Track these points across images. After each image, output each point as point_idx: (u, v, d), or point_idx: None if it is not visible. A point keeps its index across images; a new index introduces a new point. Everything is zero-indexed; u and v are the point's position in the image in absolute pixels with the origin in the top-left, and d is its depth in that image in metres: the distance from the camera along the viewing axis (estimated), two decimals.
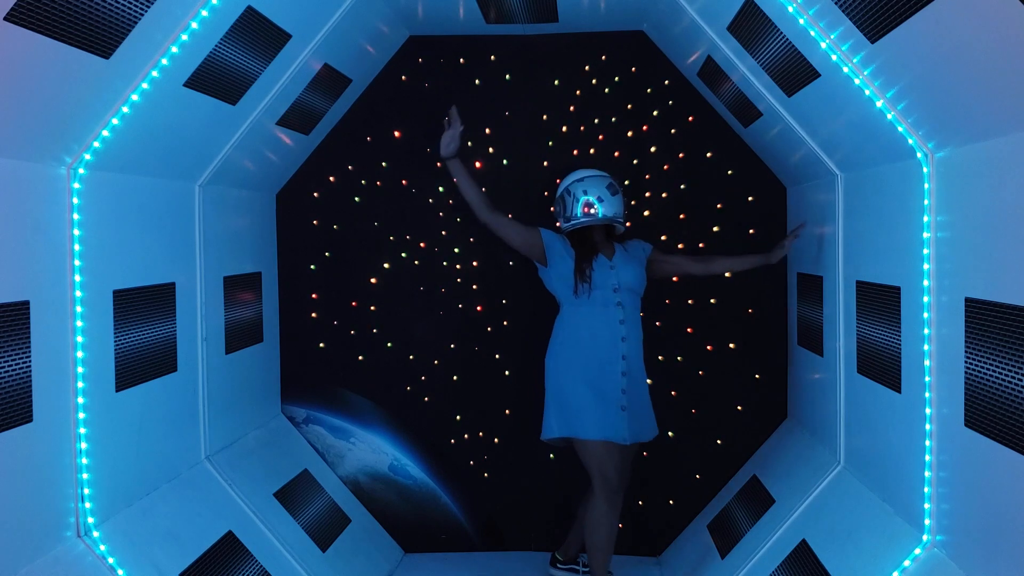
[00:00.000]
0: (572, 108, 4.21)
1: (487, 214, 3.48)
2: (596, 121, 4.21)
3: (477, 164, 4.26)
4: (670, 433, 4.21)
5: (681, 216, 4.19)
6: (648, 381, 3.57)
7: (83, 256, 2.69)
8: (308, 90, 3.66)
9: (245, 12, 2.82)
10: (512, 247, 3.57)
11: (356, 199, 4.30)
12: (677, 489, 4.25)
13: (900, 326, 2.76)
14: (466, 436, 4.37)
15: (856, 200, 3.15)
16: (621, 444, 3.35)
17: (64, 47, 2.21)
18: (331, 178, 4.30)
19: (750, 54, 3.12)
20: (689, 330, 4.22)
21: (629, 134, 4.19)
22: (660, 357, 4.18)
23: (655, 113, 4.17)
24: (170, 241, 3.27)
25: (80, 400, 2.68)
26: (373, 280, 4.33)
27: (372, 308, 4.34)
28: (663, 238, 4.13)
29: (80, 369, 2.68)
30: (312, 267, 4.33)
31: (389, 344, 4.35)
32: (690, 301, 4.19)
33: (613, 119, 4.20)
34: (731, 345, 4.20)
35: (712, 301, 4.20)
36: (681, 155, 4.18)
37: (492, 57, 4.22)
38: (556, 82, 4.21)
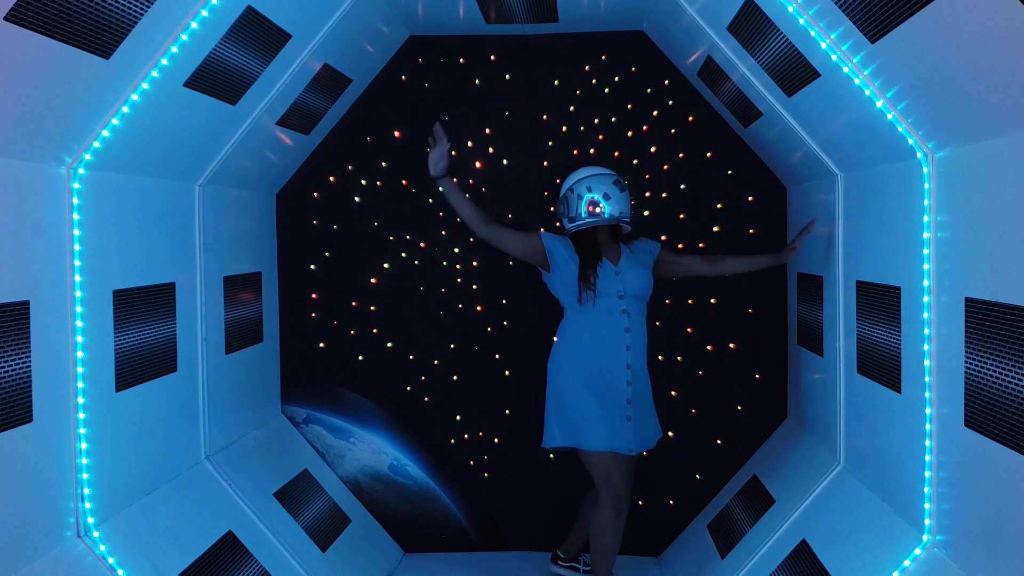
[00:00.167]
0: (572, 108, 4.21)
1: (485, 229, 3.41)
2: (596, 121, 4.21)
3: (477, 164, 4.26)
4: (670, 433, 4.21)
5: (681, 216, 4.19)
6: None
7: (83, 256, 2.69)
8: (308, 90, 3.66)
9: (245, 12, 2.82)
10: (515, 257, 3.50)
11: (356, 199, 4.30)
12: (677, 489, 4.25)
13: (900, 326, 2.76)
14: (466, 436, 4.37)
15: (856, 200, 3.15)
16: (627, 454, 3.34)
17: (64, 47, 2.21)
18: (331, 178, 4.30)
19: (750, 54, 3.12)
20: (689, 330, 4.22)
21: (629, 134, 4.19)
22: (660, 357, 4.18)
23: (655, 113, 4.17)
24: (170, 241, 3.27)
25: (80, 400, 2.68)
26: (373, 280, 4.33)
27: (372, 308, 4.34)
28: (663, 238, 4.13)
29: (80, 369, 2.68)
30: (312, 267, 4.33)
31: (389, 344, 4.35)
32: (690, 301, 4.19)
33: (613, 119, 4.20)
34: (731, 345, 4.21)
35: (712, 301, 4.20)
36: (681, 155, 4.18)
37: (492, 57, 4.22)
38: (556, 82, 4.21)
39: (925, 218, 2.55)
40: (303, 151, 4.19)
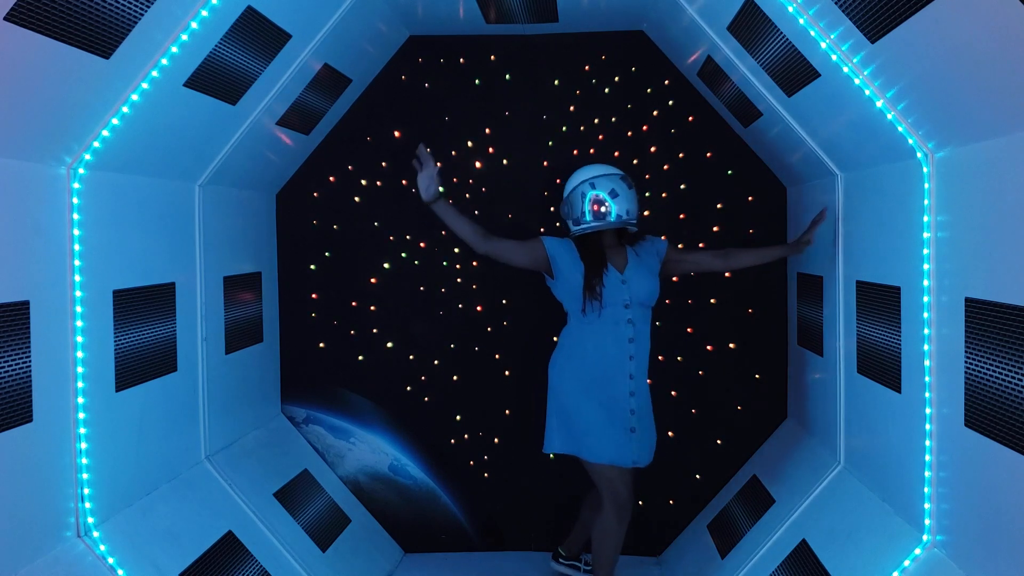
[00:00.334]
0: (572, 108, 4.21)
1: (484, 245, 3.27)
2: (596, 121, 4.21)
3: (477, 164, 4.26)
4: (670, 433, 4.21)
5: (681, 216, 4.20)
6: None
7: (83, 256, 2.69)
8: (308, 90, 3.66)
9: (245, 12, 2.82)
10: (520, 267, 3.37)
11: (356, 199, 4.30)
12: (677, 489, 4.25)
13: (900, 326, 2.76)
14: (466, 436, 4.37)
15: (856, 200, 3.15)
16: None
17: (64, 47, 2.21)
18: (331, 178, 4.30)
19: (750, 54, 3.12)
20: (689, 330, 4.22)
21: (629, 134, 4.19)
22: (660, 357, 4.18)
23: (655, 113, 4.18)
24: (170, 241, 3.27)
25: (80, 400, 2.68)
26: (373, 280, 4.33)
27: (372, 308, 4.34)
28: (663, 238, 4.12)
29: (80, 369, 2.68)
30: (312, 267, 4.33)
31: (389, 344, 4.35)
32: (690, 301, 4.20)
33: (613, 119, 4.20)
34: (731, 345, 4.21)
35: (712, 301, 4.20)
36: (681, 155, 4.18)
37: (492, 57, 4.22)
38: (556, 82, 4.21)
39: (925, 218, 2.55)
40: (303, 151, 4.19)
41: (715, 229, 4.17)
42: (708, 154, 4.16)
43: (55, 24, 2.13)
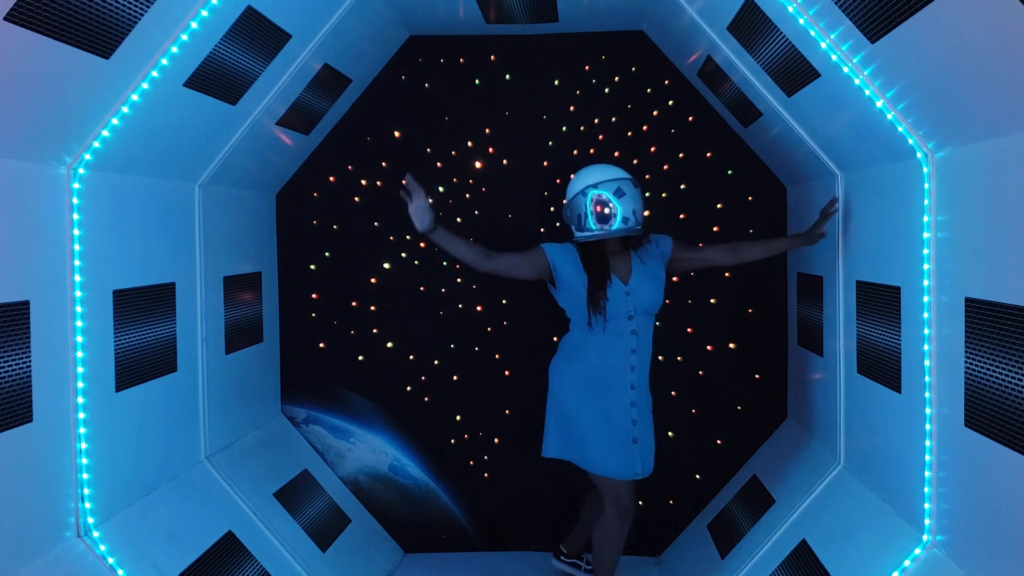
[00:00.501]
0: (572, 108, 4.21)
1: (486, 263, 3.17)
2: (596, 121, 4.21)
3: (477, 164, 4.26)
4: (670, 433, 4.21)
5: (681, 216, 4.20)
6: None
7: (83, 256, 2.69)
8: (308, 90, 3.66)
9: (245, 12, 2.82)
10: (525, 280, 3.27)
11: (356, 199, 4.30)
12: (677, 489, 4.25)
13: (900, 326, 2.76)
14: (466, 436, 4.37)
15: (856, 200, 3.15)
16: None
17: (64, 47, 2.21)
18: (331, 178, 4.30)
19: (750, 54, 3.12)
20: (689, 330, 4.22)
21: (629, 134, 4.19)
22: (660, 357, 4.18)
23: (655, 113, 4.18)
24: (170, 241, 3.27)
25: (80, 400, 2.68)
26: (373, 280, 4.33)
27: (372, 308, 4.34)
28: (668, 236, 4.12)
29: (80, 369, 2.68)
30: (312, 267, 4.33)
31: (389, 344, 4.35)
32: (690, 301, 4.20)
33: (613, 119, 4.20)
34: (731, 345, 4.21)
35: (712, 301, 4.20)
36: (681, 155, 4.18)
37: (492, 57, 4.22)
38: (556, 82, 4.21)
39: (925, 218, 2.55)
40: (303, 151, 4.19)
41: (715, 229, 4.17)
42: (708, 154, 4.16)
43: (55, 24, 2.13)
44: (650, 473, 3.30)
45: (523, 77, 4.22)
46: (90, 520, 2.72)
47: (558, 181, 4.22)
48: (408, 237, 4.30)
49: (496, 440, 4.36)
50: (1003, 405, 2.16)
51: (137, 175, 3.00)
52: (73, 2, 2.14)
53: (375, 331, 4.35)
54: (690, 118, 4.15)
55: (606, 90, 4.19)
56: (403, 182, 3.00)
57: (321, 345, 4.35)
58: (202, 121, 3.15)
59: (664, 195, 4.20)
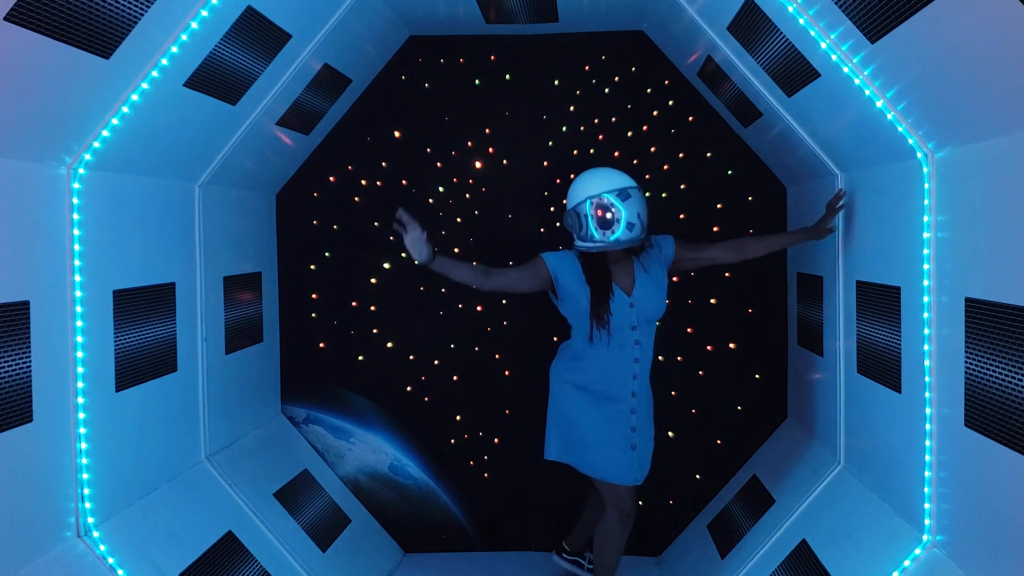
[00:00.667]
0: (572, 108, 4.21)
1: (488, 283, 3.12)
2: (596, 121, 4.21)
3: (477, 164, 4.26)
4: (670, 433, 4.21)
5: (681, 216, 4.20)
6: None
7: (83, 256, 2.69)
8: (308, 90, 3.66)
9: (245, 12, 2.82)
10: (528, 293, 3.22)
11: (356, 199, 4.30)
12: (677, 489, 4.25)
13: (900, 326, 2.76)
14: (466, 436, 4.37)
15: (856, 200, 3.15)
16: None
17: (64, 47, 2.21)
18: (331, 178, 4.30)
19: (750, 54, 3.12)
20: (689, 330, 4.22)
21: (629, 134, 4.19)
22: (660, 357, 4.18)
23: (655, 113, 4.18)
24: (170, 241, 3.27)
25: (80, 400, 2.68)
26: (373, 280, 4.33)
27: (372, 308, 4.34)
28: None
29: (80, 369, 2.68)
30: (312, 267, 4.33)
31: (389, 344, 4.35)
32: (690, 301, 4.19)
33: (613, 119, 4.20)
34: (731, 345, 4.21)
35: (712, 301, 4.20)
36: (681, 155, 4.18)
37: (492, 57, 4.22)
38: (556, 82, 4.21)
39: (925, 218, 2.55)
40: (303, 151, 4.19)
41: (715, 229, 4.17)
42: (708, 154, 4.16)
43: (55, 24, 2.13)
44: (647, 474, 3.30)
45: (523, 77, 4.22)
46: (90, 520, 2.72)
47: (558, 181, 4.22)
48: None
49: (496, 440, 4.36)
50: (1003, 405, 2.16)
51: (137, 175, 3.00)
52: (73, 2, 2.14)
53: (375, 331, 4.35)
54: (690, 118, 4.15)
55: (606, 90, 4.19)
56: (396, 217, 2.94)
57: (321, 345, 4.35)
58: (202, 121, 3.15)
59: (664, 195, 4.20)
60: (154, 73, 2.64)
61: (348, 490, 4.35)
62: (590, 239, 3.05)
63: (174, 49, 2.64)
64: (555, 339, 4.08)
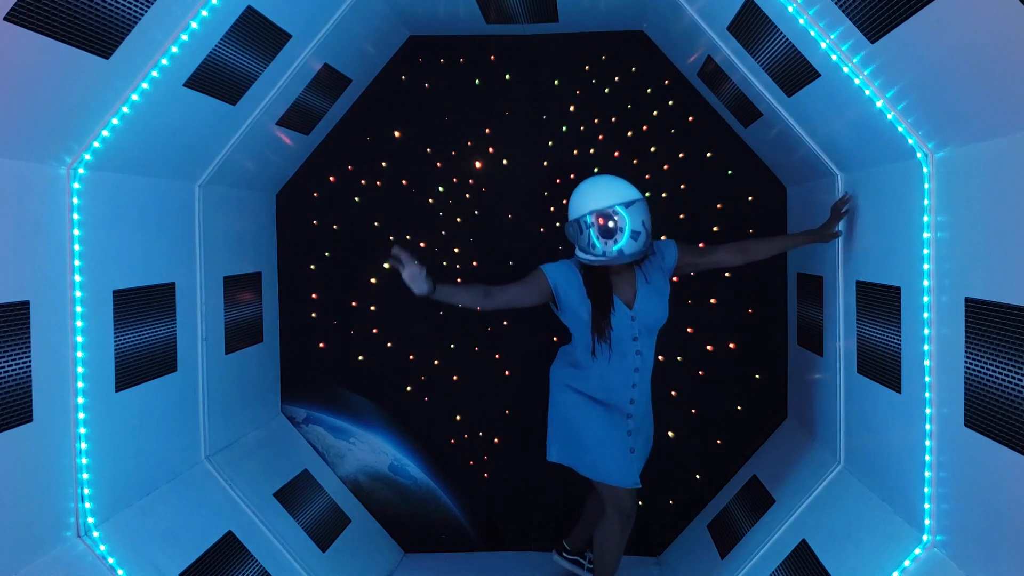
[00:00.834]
0: (572, 108, 4.21)
1: (490, 302, 3.05)
2: (596, 121, 4.21)
3: (477, 164, 4.26)
4: (670, 433, 4.21)
5: (681, 216, 4.20)
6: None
7: (83, 256, 2.69)
8: (308, 90, 3.66)
9: (245, 12, 2.82)
10: (530, 306, 3.15)
11: (356, 199, 4.30)
12: (677, 489, 4.25)
13: (900, 326, 2.76)
14: (466, 436, 4.37)
15: (856, 200, 3.15)
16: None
17: (64, 47, 2.21)
18: (331, 178, 4.30)
19: (750, 54, 3.12)
20: (689, 330, 4.22)
21: (629, 134, 4.19)
22: (660, 357, 4.18)
23: (655, 113, 4.18)
24: (170, 241, 3.27)
25: (80, 400, 2.68)
26: (373, 280, 4.33)
27: (372, 308, 4.34)
28: (663, 238, 4.11)
29: (80, 369, 2.68)
30: (312, 267, 4.33)
31: (389, 344, 4.35)
32: (690, 301, 4.19)
33: (613, 119, 4.20)
34: (731, 345, 4.21)
35: (712, 301, 4.20)
36: (681, 155, 4.18)
37: (492, 57, 4.22)
38: (556, 82, 4.21)
39: (925, 218, 2.55)
40: (303, 151, 4.19)
41: (715, 229, 4.17)
42: (708, 154, 4.16)
43: (55, 24, 2.13)
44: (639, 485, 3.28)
45: (523, 77, 4.22)
46: (90, 520, 2.72)
47: (558, 181, 4.22)
48: (408, 237, 4.30)
49: (496, 440, 4.36)
50: (1003, 405, 2.16)
51: (137, 175, 3.00)
52: (73, 2, 2.14)
53: (375, 331, 4.35)
54: (690, 118, 4.15)
55: (606, 90, 4.19)
56: (392, 254, 2.85)
57: (321, 345, 4.35)
58: (202, 121, 3.15)
59: (664, 195, 4.20)
60: (154, 73, 2.64)
61: (348, 490, 4.35)
62: (593, 251, 2.97)
63: (174, 49, 2.64)
64: (555, 339, 4.08)
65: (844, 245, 3.27)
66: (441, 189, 4.29)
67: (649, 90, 4.17)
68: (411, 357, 4.36)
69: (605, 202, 2.92)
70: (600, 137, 4.21)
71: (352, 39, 3.68)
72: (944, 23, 2.03)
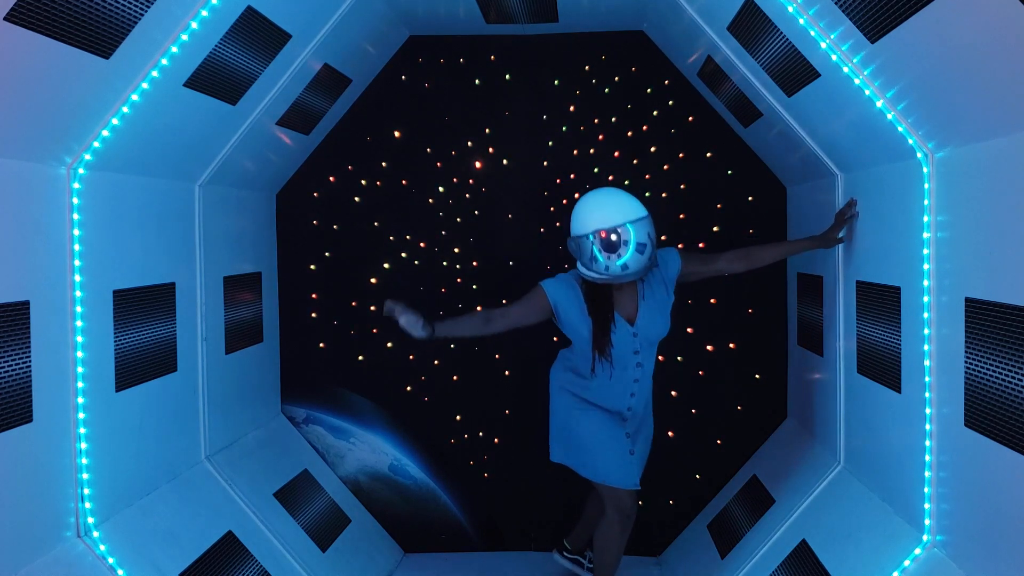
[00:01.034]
0: (572, 108, 4.21)
1: (490, 328, 3.07)
2: (596, 121, 4.21)
3: (477, 164, 4.26)
4: (670, 433, 4.21)
5: (681, 216, 4.20)
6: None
7: (83, 256, 2.69)
8: (308, 90, 3.66)
9: (245, 12, 2.82)
10: (533, 324, 3.13)
11: (356, 199, 4.30)
12: (677, 489, 4.25)
13: (900, 326, 2.76)
14: (466, 436, 4.37)
15: (856, 200, 3.15)
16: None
17: (64, 47, 2.21)
18: (331, 178, 4.30)
19: (750, 54, 3.12)
20: (689, 330, 4.22)
21: (629, 134, 4.19)
22: (660, 357, 4.18)
23: (655, 113, 4.17)
24: (170, 241, 3.27)
25: (80, 400, 2.68)
26: (373, 280, 4.33)
27: (372, 308, 4.34)
28: (663, 238, 4.12)
29: (80, 369, 2.68)
30: (312, 267, 4.33)
31: (389, 344, 4.35)
32: (690, 301, 4.19)
33: (613, 119, 4.20)
34: (731, 345, 4.20)
35: (712, 301, 4.20)
36: (681, 155, 4.18)
37: (492, 57, 4.22)
38: (556, 82, 4.21)
39: (925, 218, 2.55)
40: (303, 151, 4.19)
41: (715, 229, 4.17)
42: (708, 154, 4.16)
43: (55, 24, 2.13)
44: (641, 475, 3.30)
45: (523, 77, 4.22)
46: (90, 520, 2.72)
47: (558, 181, 4.22)
48: (408, 237, 4.30)
49: (496, 440, 4.36)
50: (1003, 405, 2.16)
51: (137, 175, 3.00)
52: (73, 2, 2.14)
53: (375, 331, 4.35)
54: (690, 118, 4.15)
55: (606, 90, 4.19)
56: (385, 311, 2.92)
57: (321, 345, 4.35)
58: (202, 121, 3.15)
59: (664, 195, 4.20)
60: (154, 73, 2.64)
61: (348, 490, 4.35)
62: (595, 267, 2.93)
63: (174, 49, 2.64)
64: (555, 339, 4.07)
65: (844, 245, 3.27)
66: (441, 189, 4.29)
67: (649, 90, 4.17)
68: (411, 357, 4.36)
69: (611, 221, 2.87)
70: (600, 137, 4.21)
71: (352, 39, 3.68)
72: (944, 23, 2.03)
